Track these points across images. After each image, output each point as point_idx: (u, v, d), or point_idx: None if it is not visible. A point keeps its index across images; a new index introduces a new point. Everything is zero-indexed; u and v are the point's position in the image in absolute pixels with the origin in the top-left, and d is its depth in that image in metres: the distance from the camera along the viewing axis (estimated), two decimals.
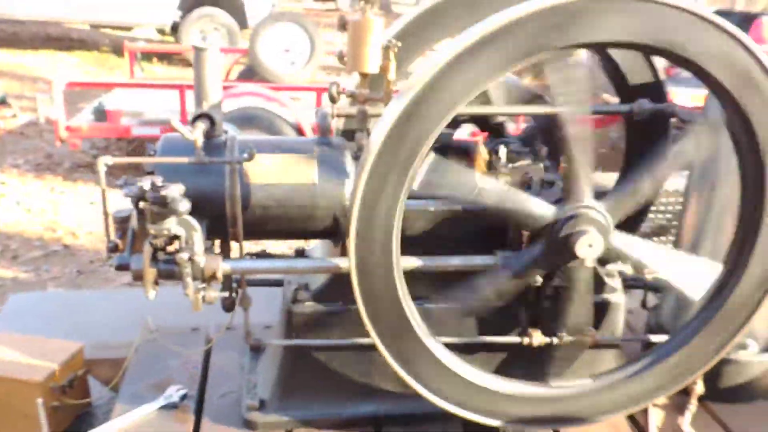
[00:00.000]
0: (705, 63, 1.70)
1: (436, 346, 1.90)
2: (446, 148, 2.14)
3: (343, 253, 2.00)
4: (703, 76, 1.75)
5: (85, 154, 7.07)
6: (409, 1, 27.53)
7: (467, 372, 1.95)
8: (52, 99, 5.51)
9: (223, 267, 1.84)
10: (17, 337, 2.60)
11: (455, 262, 1.94)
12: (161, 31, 12.90)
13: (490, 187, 1.81)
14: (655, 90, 2.36)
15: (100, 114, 6.12)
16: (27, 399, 2.32)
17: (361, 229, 1.71)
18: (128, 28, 12.88)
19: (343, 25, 1.93)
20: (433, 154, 1.72)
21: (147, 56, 10.55)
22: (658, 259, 1.98)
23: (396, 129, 1.65)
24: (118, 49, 11.42)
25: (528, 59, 1.68)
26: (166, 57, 12.42)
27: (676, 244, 2.53)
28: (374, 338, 1.84)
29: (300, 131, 5.56)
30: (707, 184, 2.32)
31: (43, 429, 2.26)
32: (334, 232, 2.00)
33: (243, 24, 12.12)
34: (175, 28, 12.11)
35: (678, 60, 1.74)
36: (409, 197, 1.78)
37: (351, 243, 1.72)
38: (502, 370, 2.09)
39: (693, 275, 1.99)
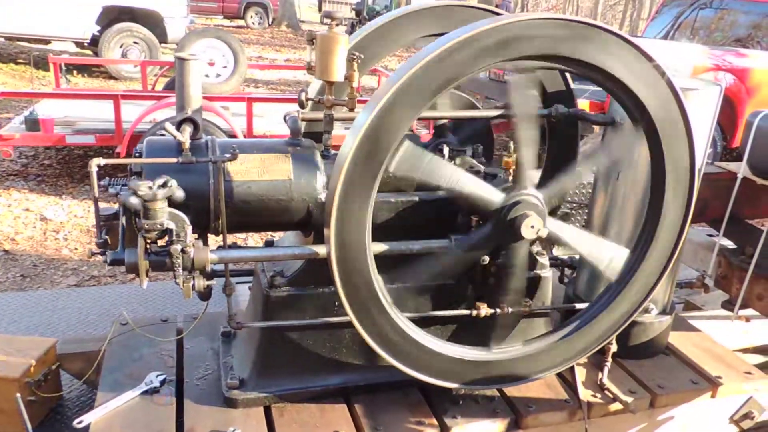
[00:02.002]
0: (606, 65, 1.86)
1: (403, 319, 2.00)
2: None
3: (315, 241, 2.07)
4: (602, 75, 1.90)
5: (14, 162, 6.68)
6: (316, 21, 27.52)
7: (428, 341, 2.06)
8: None
9: (211, 257, 1.86)
10: None
11: (415, 246, 2.05)
12: (80, 45, 12.27)
13: (455, 170, 1.92)
14: (567, 97, 2.57)
15: (32, 123, 5.80)
16: (3, 395, 2.24)
17: (339, 219, 1.78)
18: (46, 42, 12.16)
19: (311, 40, 1.99)
20: (408, 142, 1.79)
21: (67, 69, 10.02)
22: (582, 242, 2.17)
23: (367, 135, 1.71)
24: (38, 62, 10.78)
25: (473, 72, 1.79)
26: (86, 69, 11.84)
27: (586, 229, 2.74)
28: (349, 314, 1.91)
29: (234, 137, 5.51)
30: (612, 176, 2.51)
31: (25, 423, 2.18)
32: (307, 223, 2.06)
33: (163, 38, 11.75)
34: (94, 42, 11.58)
35: (580, 65, 1.87)
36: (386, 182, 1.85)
37: (331, 231, 1.78)
38: (453, 340, 2.21)
39: (607, 257, 2.17)
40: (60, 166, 6.70)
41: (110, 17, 11.43)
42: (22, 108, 7.97)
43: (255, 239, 5.05)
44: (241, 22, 23.76)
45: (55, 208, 5.61)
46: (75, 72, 11.44)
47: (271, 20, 23.87)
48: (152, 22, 11.66)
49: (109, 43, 11.38)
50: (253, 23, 23.75)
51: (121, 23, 11.48)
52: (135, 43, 11.58)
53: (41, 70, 11.17)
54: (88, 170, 1.74)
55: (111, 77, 11.70)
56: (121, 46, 11.52)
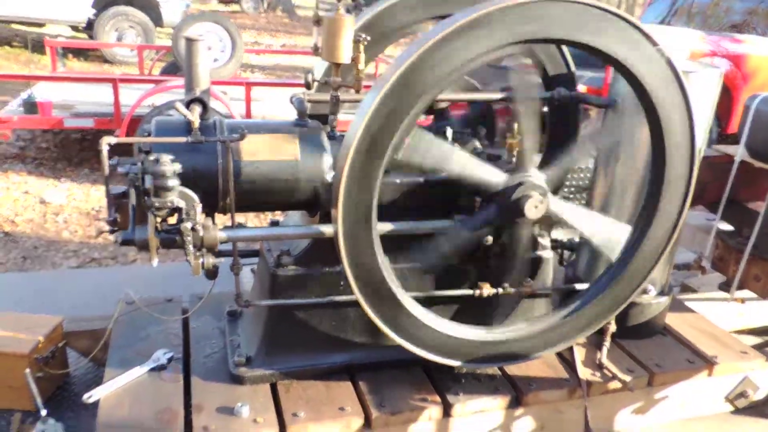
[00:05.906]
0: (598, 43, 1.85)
1: (407, 299, 2.03)
2: None
3: (321, 221, 2.09)
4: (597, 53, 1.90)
5: (12, 145, 6.65)
6: (311, 6, 27.32)
7: (433, 321, 2.09)
8: None
9: (220, 236, 1.89)
10: None
11: (420, 225, 2.08)
12: (75, 28, 12.17)
13: (458, 154, 1.95)
14: (569, 80, 2.58)
15: (30, 106, 5.76)
16: (13, 371, 2.27)
17: (346, 200, 1.80)
18: (41, 25, 12.06)
19: (317, 21, 2.00)
20: (417, 129, 1.82)
21: (63, 53, 9.93)
22: (584, 222, 2.19)
23: (374, 116, 1.72)
24: (34, 45, 10.70)
25: (487, 56, 1.80)
26: (82, 53, 11.75)
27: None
28: (355, 293, 1.94)
29: None
30: (612, 160, 2.52)
31: (35, 398, 2.21)
32: (314, 204, 2.08)
33: (158, 22, 11.66)
34: (89, 26, 11.48)
35: (577, 45, 1.87)
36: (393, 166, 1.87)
37: (338, 212, 1.80)
38: (455, 320, 2.24)
39: (610, 237, 2.21)
40: (58, 150, 6.67)
41: (106, 1, 11.33)
42: (19, 91, 7.91)
43: (255, 222, 5.07)
44: (236, 7, 23.54)
45: (54, 191, 5.60)
46: (70, 55, 11.35)
47: (266, 5, 23.68)
48: (148, 6, 11.55)
49: (104, 27, 11.27)
50: (248, 8, 23.57)
51: (116, 7, 11.36)
52: (130, 27, 11.48)
53: (37, 53, 11.08)
54: (98, 149, 1.75)
55: (106, 61, 11.61)
56: (116, 30, 11.42)
